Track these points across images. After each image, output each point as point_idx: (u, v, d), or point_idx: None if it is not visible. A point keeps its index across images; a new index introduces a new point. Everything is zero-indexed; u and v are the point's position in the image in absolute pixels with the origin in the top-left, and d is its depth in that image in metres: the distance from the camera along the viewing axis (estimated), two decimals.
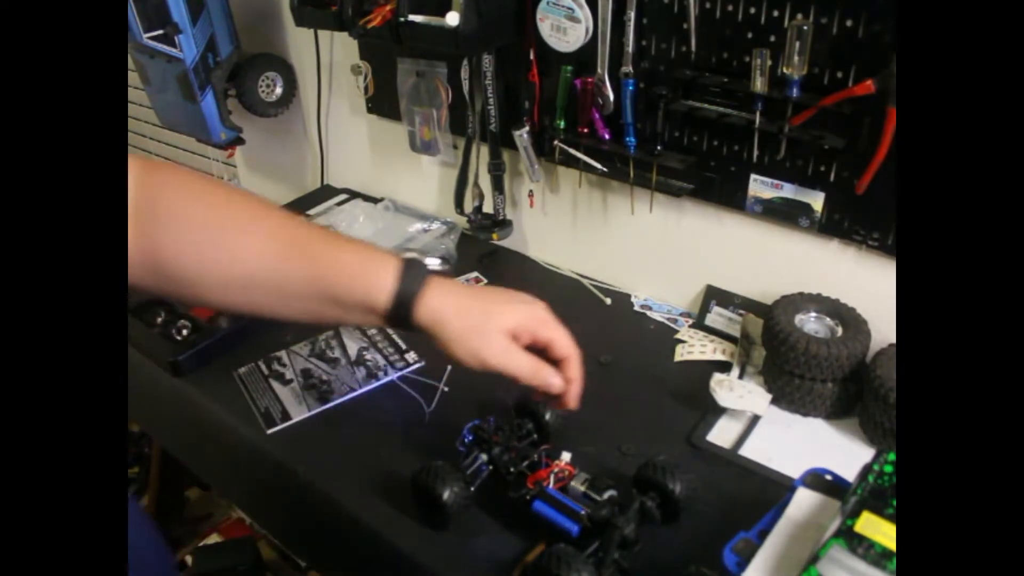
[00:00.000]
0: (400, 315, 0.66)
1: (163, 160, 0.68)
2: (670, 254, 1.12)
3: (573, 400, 0.73)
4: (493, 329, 0.68)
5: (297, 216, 0.68)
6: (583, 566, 0.64)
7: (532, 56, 1.07)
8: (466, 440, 0.80)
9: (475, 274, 1.21)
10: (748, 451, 0.86)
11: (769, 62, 0.85)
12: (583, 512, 0.71)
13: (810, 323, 0.93)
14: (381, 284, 0.65)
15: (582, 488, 0.74)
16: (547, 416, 0.81)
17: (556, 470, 0.75)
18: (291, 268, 0.65)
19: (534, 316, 0.71)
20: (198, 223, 0.64)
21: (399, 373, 1.01)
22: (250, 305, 0.69)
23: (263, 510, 1.09)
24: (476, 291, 0.70)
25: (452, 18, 0.96)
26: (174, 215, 0.64)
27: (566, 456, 0.77)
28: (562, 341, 0.71)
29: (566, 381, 0.71)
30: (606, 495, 0.73)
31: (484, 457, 0.78)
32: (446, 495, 0.73)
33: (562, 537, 0.71)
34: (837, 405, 0.89)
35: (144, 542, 0.70)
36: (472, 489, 0.76)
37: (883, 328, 0.90)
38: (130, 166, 0.62)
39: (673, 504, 0.74)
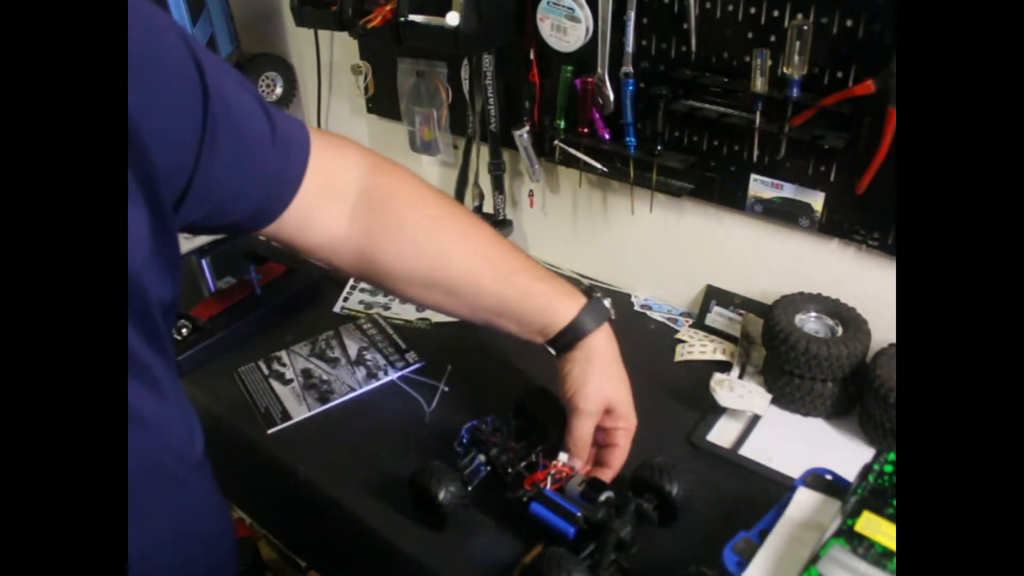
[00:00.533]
0: (563, 343, 0.75)
1: (391, 160, 0.76)
2: (670, 254, 1.12)
3: (607, 477, 0.78)
4: (606, 392, 0.76)
5: (506, 243, 0.77)
6: (576, 568, 0.64)
7: (532, 56, 1.07)
8: (463, 441, 0.80)
9: None
10: (748, 451, 0.86)
11: (769, 62, 0.85)
12: (579, 514, 0.71)
13: (810, 323, 0.93)
14: (562, 316, 0.74)
15: (579, 489, 0.74)
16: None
17: (553, 471, 0.75)
18: (491, 286, 0.74)
19: (630, 419, 0.79)
20: (417, 231, 0.72)
21: (399, 373, 1.01)
22: (440, 305, 0.77)
23: (263, 510, 1.09)
24: (619, 359, 0.79)
25: (452, 18, 0.96)
26: (398, 220, 0.71)
27: (563, 457, 0.77)
28: (623, 452, 0.79)
29: (608, 465, 0.79)
30: (603, 497, 0.73)
31: (482, 458, 0.78)
32: (442, 495, 0.73)
33: (559, 539, 0.71)
34: (837, 405, 0.89)
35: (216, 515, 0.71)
36: (469, 489, 0.76)
37: (883, 328, 0.90)
38: (362, 159, 0.72)
39: (670, 506, 0.74)
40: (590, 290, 0.78)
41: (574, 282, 0.79)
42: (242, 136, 0.60)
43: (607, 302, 0.78)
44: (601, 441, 0.79)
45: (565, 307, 0.75)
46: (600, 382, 0.76)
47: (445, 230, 0.74)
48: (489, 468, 0.78)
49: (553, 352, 0.78)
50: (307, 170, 0.66)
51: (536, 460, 0.78)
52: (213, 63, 0.58)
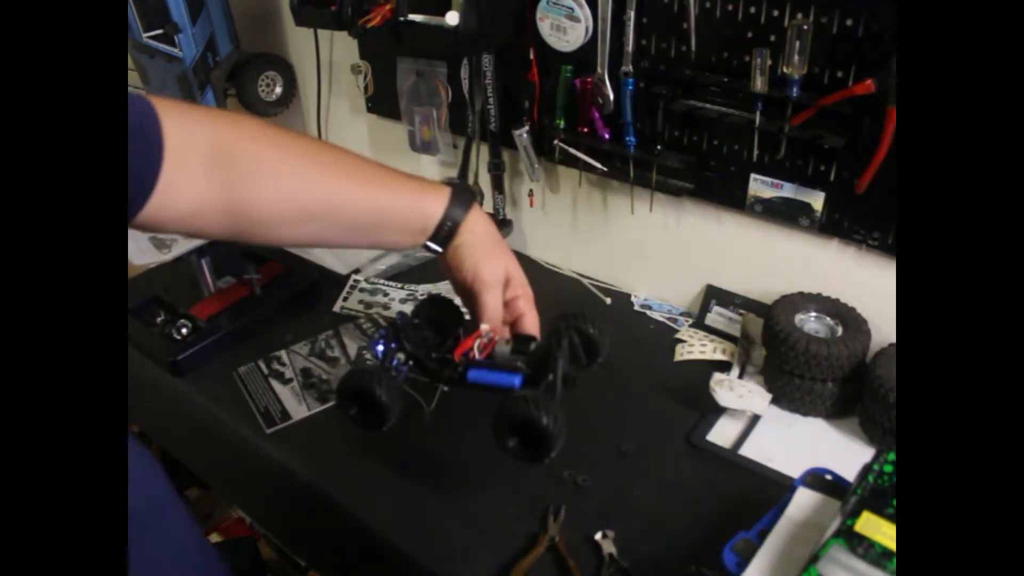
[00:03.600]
0: (443, 234, 0.76)
1: (231, 111, 0.78)
2: (670, 254, 1.11)
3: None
4: (501, 263, 0.78)
5: (359, 156, 0.76)
6: (545, 400, 0.64)
7: (532, 55, 1.07)
8: (377, 350, 0.76)
9: None
10: (748, 451, 0.86)
11: (769, 61, 0.85)
12: (519, 363, 0.70)
13: (810, 323, 0.93)
14: (436, 209, 0.75)
15: (507, 348, 0.74)
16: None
17: (479, 337, 0.73)
18: (362, 197, 0.74)
19: (526, 286, 0.80)
20: (275, 168, 0.71)
21: None
22: (321, 237, 0.77)
23: (263, 510, 1.09)
24: (499, 234, 0.80)
25: (452, 17, 0.95)
26: (253, 164, 0.70)
27: (484, 327, 0.74)
28: (533, 318, 0.79)
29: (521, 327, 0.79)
30: (533, 346, 0.74)
31: (401, 357, 0.75)
32: (378, 391, 0.70)
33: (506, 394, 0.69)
34: (837, 405, 0.89)
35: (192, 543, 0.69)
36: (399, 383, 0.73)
37: (883, 328, 0.90)
38: (205, 115, 0.70)
39: (594, 345, 0.79)
40: (450, 181, 0.79)
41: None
42: None
43: (470, 185, 0.79)
44: (506, 317, 0.79)
45: (435, 201, 0.75)
46: (493, 255, 0.77)
47: (305, 159, 0.73)
48: (411, 363, 0.76)
49: (439, 249, 0.77)
50: (164, 144, 0.63)
51: (456, 340, 0.76)
52: None
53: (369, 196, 0.74)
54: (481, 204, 1.24)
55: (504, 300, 0.78)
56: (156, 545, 0.63)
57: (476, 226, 0.77)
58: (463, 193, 0.77)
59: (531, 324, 0.79)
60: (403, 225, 0.75)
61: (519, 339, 0.76)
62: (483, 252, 0.77)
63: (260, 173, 0.70)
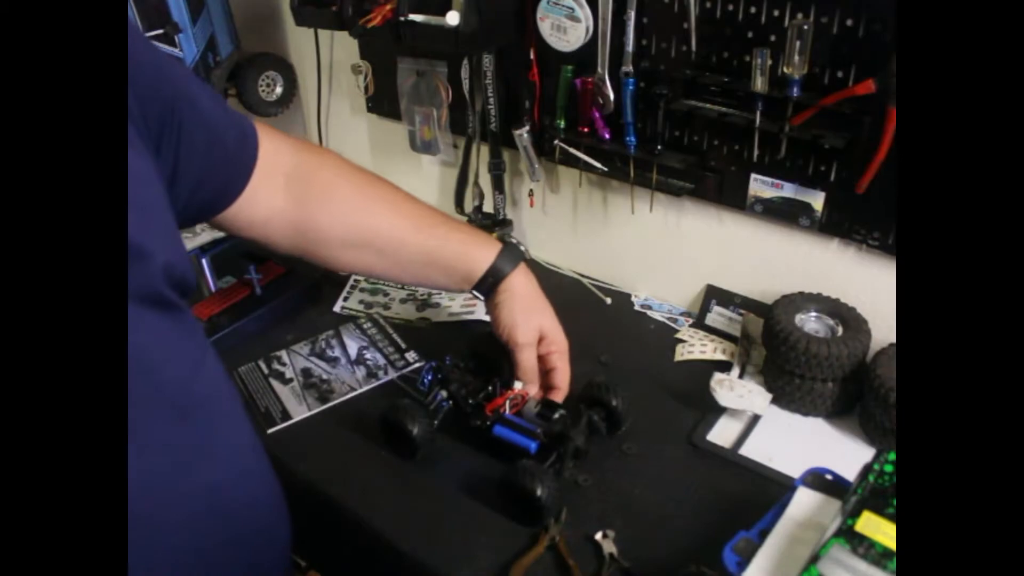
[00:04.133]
0: (486, 286, 0.84)
1: (316, 143, 0.91)
2: (670, 254, 1.11)
3: (559, 398, 0.87)
4: (535, 322, 0.85)
5: (423, 203, 0.85)
6: (544, 475, 0.73)
7: (532, 55, 1.07)
8: (426, 381, 0.87)
9: None
10: (748, 451, 0.86)
11: (769, 61, 0.85)
12: (538, 431, 0.78)
13: (810, 323, 0.93)
14: (482, 261, 0.83)
15: (535, 410, 0.81)
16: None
17: (511, 396, 0.82)
18: (415, 238, 0.82)
19: (560, 342, 0.87)
20: (345, 197, 0.80)
21: (399, 372, 1.01)
22: (372, 267, 0.85)
23: None
24: (540, 292, 0.88)
25: (452, 17, 0.96)
26: (326, 189, 0.79)
27: (518, 385, 0.83)
28: (564, 372, 0.87)
29: (556, 387, 0.87)
30: (557, 414, 0.80)
31: (444, 394, 0.86)
32: (416, 430, 0.81)
33: (522, 455, 0.78)
34: (837, 405, 0.89)
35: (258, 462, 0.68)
36: (436, 423, 0.84)
37: (883, 328, 0.90)
38: (289, 140, 0.79)
39: (615, 417, 0.84)
40: (504, 238, 0.86)
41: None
42: (209, 127, 0.66)
43: (521, 247, 0.85)
44: (541, 368, 0.87)
45: (483, 253, 0.83)
46: (528, 315, 0.84)
47: (369, 194, 0.82)
48: (451, 402, 0.85)
49: (481, 297, 0.86)
50: (257, 157, 0.73)
51: (493, 391, 0.84)
52: (181, 70, 0.65)
53: (420, 239, 0.82)
54: (481, 205, 1.24)
55: (539, 354, 0.86)
56: (213, 431, 0.61)
57: (516, 285, 0.84)
58: (512, 252, 0.85)
59: (562, 377, 0.87)
60: (447, 270, 0.83)
61: (547, 404, 0.83)
62: (518, 313, 0.83)
63: (329, 199, 0.79)
